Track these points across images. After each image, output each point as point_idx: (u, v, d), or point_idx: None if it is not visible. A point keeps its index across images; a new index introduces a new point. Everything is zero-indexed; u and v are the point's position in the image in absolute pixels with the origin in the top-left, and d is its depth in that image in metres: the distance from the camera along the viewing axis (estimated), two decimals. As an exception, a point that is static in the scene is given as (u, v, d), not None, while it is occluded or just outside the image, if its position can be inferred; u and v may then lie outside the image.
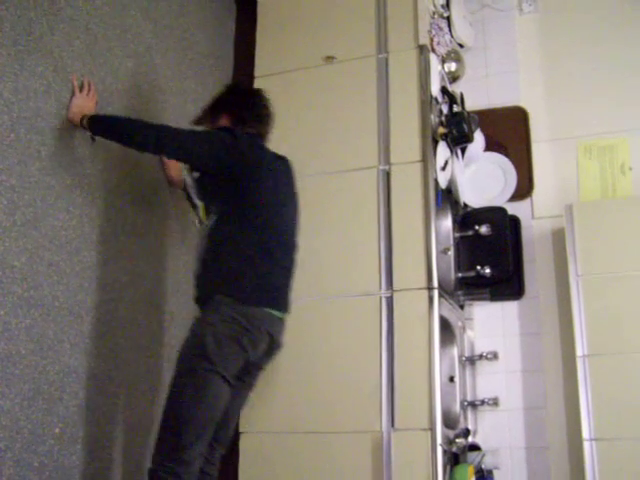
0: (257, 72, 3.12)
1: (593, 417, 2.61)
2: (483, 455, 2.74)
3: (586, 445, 2.60)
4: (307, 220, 2.81)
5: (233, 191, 2.26)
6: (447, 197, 2.97)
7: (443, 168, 2.84)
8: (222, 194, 2.29)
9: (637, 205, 2.86)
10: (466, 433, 2.70)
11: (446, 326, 2.73)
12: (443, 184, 2.84)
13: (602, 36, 3.25)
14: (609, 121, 3.14)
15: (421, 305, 2.56)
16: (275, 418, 2.67)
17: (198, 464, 2.10)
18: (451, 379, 2.78)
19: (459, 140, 2.96)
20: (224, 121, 2.39)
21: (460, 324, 2.92)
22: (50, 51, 2.29)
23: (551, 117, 3.25)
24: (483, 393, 2.97)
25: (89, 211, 2.42)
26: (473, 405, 2.93)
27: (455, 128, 2.92)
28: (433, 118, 2.81)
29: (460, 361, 2.86)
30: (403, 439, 2.45)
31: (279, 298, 2.27)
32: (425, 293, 2.56)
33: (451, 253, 2.95)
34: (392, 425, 2.48)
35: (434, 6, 3.07)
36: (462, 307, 3.02)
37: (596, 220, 2.83)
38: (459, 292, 3.00)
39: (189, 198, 2.47)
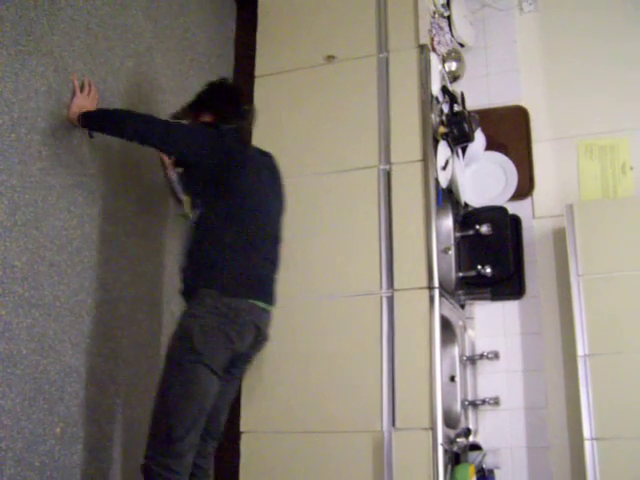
0: (257, 72, 3.12)
1: (594, 417, 2.61)
2: (484, 455, 2.74)
3: (587, 445, 2.60)
4: (308, 220, 2.82)
5: (216, 185, 2.29)
6: (448, 196, 2.97)
7: (444, 167, 2.84)
8: (205, 188, 2.31)
9: (638, 205, 2.86)
10: (467, 433, 2.70)
11: (447, 325, 2.73)
12: (444, 183, 2.84)
13: (603, 35, 3.25)
14: (610, 120, 3.14)
15: (422, 304, 2.55)
16: (276, 418, 2.67)
17: (191, 457, 2.12)
18: (452, 379, 2.78)
19: (460, 139, 2.96)
20: (206, 118, 2.42)
21: (461, 323, 2.92)
22: (51, 51, 2.30)
23: (552, 116, 3.25)
24: (484, 393, 2.98)
25: (90, 211, 2.42)
26: (474, 405, 2.93)
27: (456, 127, 2.92)
28: (434, 117, 2.81)
29: (461, 360, 2.86)
30: (404, 439, 2.45)
31: (263, 290, 2.29)
32: (426, 293, 2.56)
33: (452, 252, 2.95)
34: (393, 425, 2.48)
35: (434, 5, 3.07)
36: (463, 306, 3.02)
37: (597, 220, 2.83)
38: (460, 291, 2.99)
39: (174, 193, 2.48)
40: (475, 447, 2.77)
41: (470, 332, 3.05)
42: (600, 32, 3.26)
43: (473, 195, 3.18)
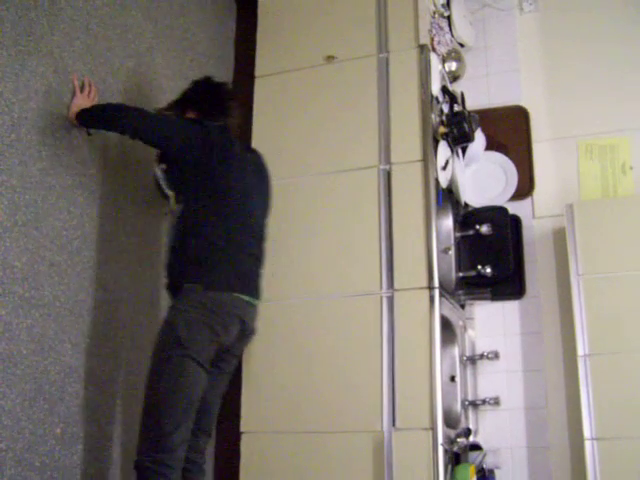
0: (258, 72, 3.12)
1: (594, 416, 2.60)
2: (484, 455, 2.74)
3: (587, 444, 2.60)
4: (308, 220, 2.82)
5: (200, 181, 2.31)
6: (448, 196, 2.97)
7: (444, 167, 2.84)
8: (189, 183, 2.33)
9: (638, 204, 2.86)
10: (467, 433, 2.70)
11: (447, 326, 2.73)
12: (444, 183, 2.84)
13: (603, 35, 3.25)
14: (610, 120, 3.14)
15: (422, 305, 2.55)
16: (276, 418, 2.67)
17: (182, 451, 2.13)
18: (452, 379, 2.78)
19: (460, 139, 2.96)
20: (191, 114, 2.45)
21: (461, 324, 2.92)
22: (51, 51, 2.30)
23: (552, 116, 3.25)
24: (484, 393, 2.98)
25: (90, 211, 2.43)
26: (474, 405, 2.93)
27: (456, 127, 2.91)
28: (434, 117, 2.81)
29: (461, 361, 2.86)
30: (404, 439, 2.45)
31: (247, 284, 2.31)
32: (426, 293, 2.56)
33: (452, 252, 2.95)
34: (393, 425, 2.48)
35: (434, 5, 3.06)
36: (463, 307, 3.02)
37: (597, 219, 2.82)
38: (460, 292, 2.99)
39: (160, 190, 2.49)
40: (475, 447, 2.77)
41: (470, 332, 3.05)
42: (600, 32, 3.26)
43: (473, 195, 3.18)
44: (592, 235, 2.80)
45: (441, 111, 2.95)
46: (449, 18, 3.23)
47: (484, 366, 3.03)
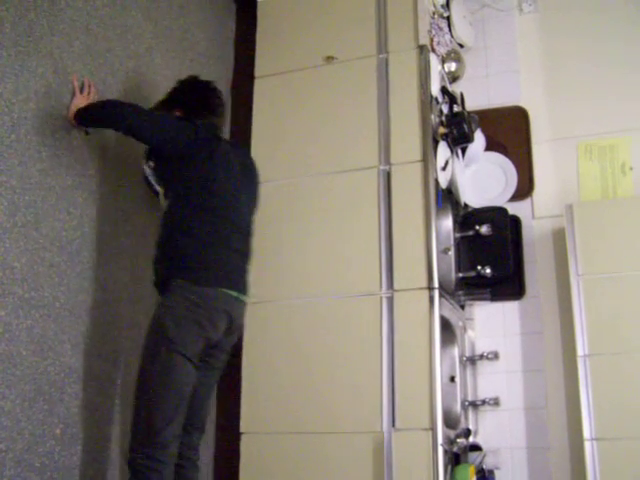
0: (257, 72, 3.12)
1: (594, 417, 2.60)
2: (484, 455, 2.74)
3: (587, 445, 2.59)
4: (307, 220, 2.82)
5: (187, 176, 2.34)
6: (448, 197, 2.97)
7: (443, 168, 2.84)
8: (177, 179, 2.35)
9: (638, 205, 2.86)
10: (467, 433, 2.70)
11: (447, 326, 2.73)
12: (443, 184, 2.84)
13: (602, 35, 3.25)
14: (610, 121, 3.14)
15: (422, 305, 2.55)
16: (276, 419, 2.67)
17: (175, 447, 2.15)
18: (452, 379, 2.78)
19: (459, 140, 2.96)
20: (177, 113, 2.47)
21: (461, 324, 2.92)
22: (50, 52, 2.30)
23: (551, 117, 3.25)
24: (484, 393, 2.97)
25: (89, 212, 2.43)
26: (474, 405, 2.92)
27: (455, 128, 2.91)
28: (433, 118, 2.81)
29: (461, 361, 2.86)
30: (404, 439, 2.45)
31: (234, 279, 2.33)
32: (426, 293, 2.56)
33: (452, 253, 2.95)
34: (393, 425, 2.48)
35: (434, 6, 3.06)
36: (463, 307, 3.02)
37: (597, 220, 2.82)
38: (460, 292, 2.99)
39: (149, 186, 2.50)
40: (475, 447, 2.77)
41: (470, 332, 3.04)
42: (599, 33, 3.26)
43: (473, 196, 3.18)
44: (592, 236, 2.80)
45: (441, 112, 2.95)
46: (448, 19, 3.23)
47: (484, 366, 3.03)
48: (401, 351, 2.54)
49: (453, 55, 3.21)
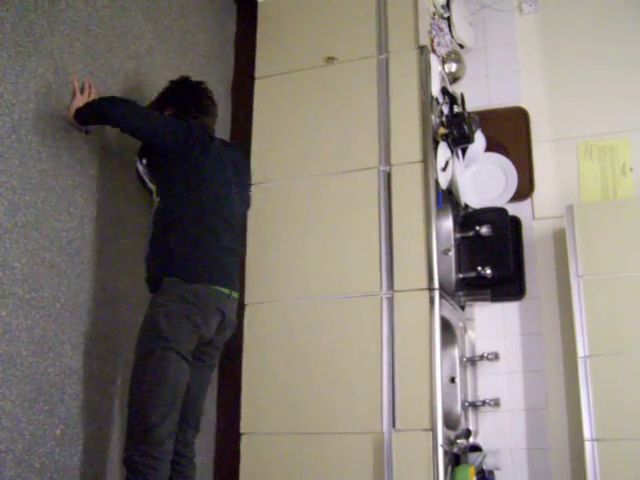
0: (257, 73, 3.12)
1: (594, 418, 2.60)
2: (484, 456, 2.74)
3: (587, 446, 2.59)
4: (308, 221, 2.82)
5: (180, 174, 2.35)
6: (448, 198, 2.96)
7: (444, 169, 2.84)
8: (169, 177, 2.37)
9: (638, 206, 2.86)
10: (467, 434, 2.70)
11: (447, 327, 2.73)
12: (444, 185, 2.84)
13: (603, 36, 3.25)
14: (610, 122, 3.14)
15: (422, 306, 2.55)
16: (276, 419, 2.67)
17: (170, 444, 2.16)
18: (452, 380, 2.78)
19: (460, 141, 2.96)
20: (169, 112, 2.48)
21: (461, 325, 2.92)
22: (51, 52, 2.30)
23: (552, 117, 3.25)
24: (484, 394, 2.97)
25: (90, 212, 2.43)
26: (474, 406, 2.92)
27: (456, 129, 2.91)
28: (434, 119, 2.81)
29: (461, 362, 2.86)
30: (404, 440, 2.45)
31: (225, 276, 2.34)
32: (426, 294, 2.56)
33: (452, 254, 2.95)
34: (393, 426, 2.48)
35: (434, 7, 3.07)
36: (463, 308, 3.02)
37: (597, 221, 2.82)
38: (460, 293, 2.99)
39: (143, 183, 2.51)
40: (475, 448, 2.77)
41: (470, 333, 3.04)
42: (600, 33, 3.26)
43: (473, 196, 3.18)
44: (592, 236, 2.80)
45: (441, 112, 2.95)
46: (449, 19, 3.23)
47: (484, 367, 3.03)
48: (401, 352, 2.54)
49: (453, 56, 3.21)
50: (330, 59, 2.98)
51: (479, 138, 3.13)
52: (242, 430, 2.70)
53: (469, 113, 3.02)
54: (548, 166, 3.19)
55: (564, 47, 3.31)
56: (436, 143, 2.81)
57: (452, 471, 2.51)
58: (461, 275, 3.01)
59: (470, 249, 3.06)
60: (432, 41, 2.97)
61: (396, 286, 2.61)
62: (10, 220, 2.07)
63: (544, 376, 2.95)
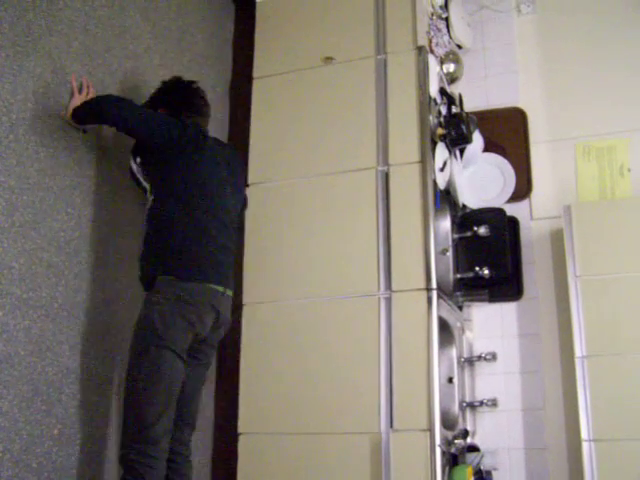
0: (256, 73, 3.12)
1: (592, 418, 2.61)
2: (482, 456, 2.74)
3: (585, 446, 2.60)
4: (306, 221, 2.82)
5: (174, 172, 2.35)
6: (446, 198, 2.97)
7: (442, 169, 2.84)
8: (163, 175, 2.37)
9: (636, 206, 2.86)
10: (465, 434, 2.70)
11: (445, 327, 2.73)
12: (442, 185, 2.84)
13: (601, 37, 3.25)
14: (608, 122, 3.14)
15: (420, 306, 2.55)
16: (274, 419, 2.66)
17: (166, 442, 2.17)
18: (450, 380, 2.78)
19: (458, 141, 2.96)
20: (162, 112, 2.48)
21: (459, 325, 2.92)
22: (49, 52, 2.30)
23: (550, 118, 3.25)
24: (482, 394, 2.98)
25: (88, 212, 2.42)
26: (472, 406, 2.93)
27: (454, 129, 2.92)
28: (432, 119, 2.81)
29: (459, 362, 2.86)
30: (402, 440, 2.45)
31: (219, 273, 2.34)
32: (424, 294, 2.56)
33: (450, 254, 2.95)
34: (391, 426, 2.48)
35: (432, 7, 3.07)
36: (461, 308, 3.02)
37: (595, 221, 2.83)
38: (458, 293, 2.99)
39: (137, 182, 2.51)
40: (473, 448, 2.77)
41: (468, 334, 3.05)
42: (598, 34, 3.26)
43: (471, 197, 3.19)
44: (590, 237, 2.80)
45: (439, 113, 2.95)
46: (447, 20, 3.24)
47: (482, 367, 3.03)
48: (399, 352, 2.54)
49: (451, 56, 3.22)
50: (328, 59, 2.98)
51: (477, 138, 3.13)
52: (240, 430, 2.70)
53: (467, 113, 3.02)
54: (546, 166, 3.19)
55: (562, 48, 3.32)
56: (434, 143, 2.81)
57: (450, 471, 2.51)
58: (459, 275, 3.01)
59: (468, 249, 3.07)
60: (430, 42, 2.97)
61: (394, 286, 2.61)
62: (8, 220, 2.07)
63: (542, 376, 2.95)
